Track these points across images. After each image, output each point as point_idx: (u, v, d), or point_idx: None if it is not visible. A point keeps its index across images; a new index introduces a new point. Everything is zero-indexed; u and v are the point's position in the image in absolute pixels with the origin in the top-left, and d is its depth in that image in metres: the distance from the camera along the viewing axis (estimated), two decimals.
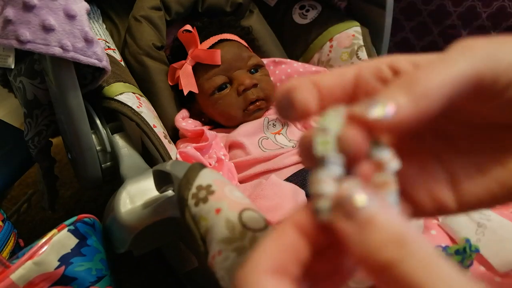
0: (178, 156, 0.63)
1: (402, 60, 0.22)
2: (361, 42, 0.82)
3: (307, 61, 0.89)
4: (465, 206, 0.24)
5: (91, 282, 0.51)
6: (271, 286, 0.18)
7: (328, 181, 0.19)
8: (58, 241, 0.48)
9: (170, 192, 0.45)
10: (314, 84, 0.22)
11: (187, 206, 0.35)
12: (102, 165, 0.61)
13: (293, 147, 0.71)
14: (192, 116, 0.79)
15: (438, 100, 0.19)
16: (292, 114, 0.22)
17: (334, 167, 0.20)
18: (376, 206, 0.18)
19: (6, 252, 0.63)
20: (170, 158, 0.60)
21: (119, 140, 0.61)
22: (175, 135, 0.75)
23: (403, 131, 0.19)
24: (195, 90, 0.74)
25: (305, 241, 0.19)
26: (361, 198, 0.18)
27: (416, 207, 0.25)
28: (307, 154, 0.21)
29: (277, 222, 0.64)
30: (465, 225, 0.49)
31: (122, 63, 0.73)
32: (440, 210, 0.25)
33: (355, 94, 0.23)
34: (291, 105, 0.21)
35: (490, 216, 0.49)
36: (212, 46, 0.75)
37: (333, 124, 0.20)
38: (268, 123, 0.74)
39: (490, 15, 0.95)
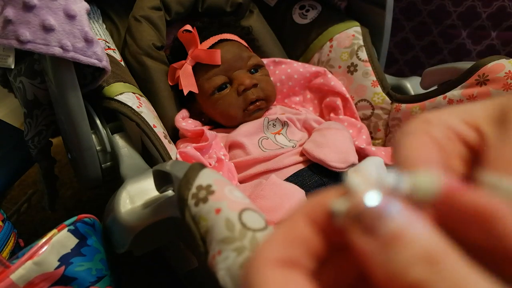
0: (178, 156, 0.63)
1: (461, 125, 0.20)
2: (361, 42, 0.82)
3: (307, 61, 0.89)
4: None
5: (91, 282, 0.51)
6: (279, 278, 0.17)
7: (365, 179, 0.17)
8: (58, 241, 0.48)
9: (170, 192, 0.45)
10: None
11: (187, 206, 0.35)
12: (102, 165, 0.61)
13: (293, 147, 0.71)
14: (192, 116, 0.79)
15: None
16: None
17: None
18: (405, 218, 0.16)
19: (6, 252, 0.63)
20: (170, 158, 0.60)
21: (119, 140, 0.61)
22: (175, 135, 0.75)
23: None
24: (195, 90, 0.74)
25: (319, 235, 0.18)
26: (390, 208, 0.16)
27: None
28: None
29: (277, 222, 0.64)
30: None
31: (122, 63, 0.73)
32: None
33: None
34: None
35: None
36: (212, 46, 0.75)
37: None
38: (268, 123, 0.74)
39: (490, 15, 0.95)
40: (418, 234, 0.15)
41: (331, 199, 0.18)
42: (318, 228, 0.18)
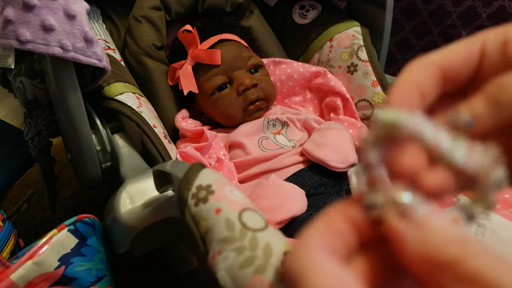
0: (178, 156, 0.63)
1: None
2: (361, 42, 0.82)
3: (307, 61, 0.89)
4: None
5: (91, 282, 0.51)
6: (326, 260, 0.18)
7: (383, 180, 0.20)
8: (58, 241, 0.48)
9: (170, 192, 0.45)
10: (438, 67, 0.22)
11: (187, 206, 0.35)
12: (102, 165, 0.61)
13: (293, 147, 0.71)
14: (192, 116, 0.79)
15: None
16: None
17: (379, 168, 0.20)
18: (428, 212, 0.18)
19: (6, 252, 0.63)
20: (170, 158, 0.60)
21: (119, 140, 0.61)
22: (175, 135, 0.75)
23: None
24: (195, 90, 0.74)
25: (353, 231, 0.20)
26: (412, 201, 0.19)
27: None
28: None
29: (277, 222, 0.63)
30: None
31: (122, 63, 0.73)
32: None
33: (479, 71, 0.23)
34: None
35: (490, 216, 0.49)
36: (212, 46, 0.75)
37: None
38: (268, 123, 0.74)
39: (490, 15, 0.95)
40: (445, 223, 0.18)
41: (365, 197, 0.20)
42: (352, 223, 0.20)
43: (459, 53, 0.23)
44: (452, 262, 0.17)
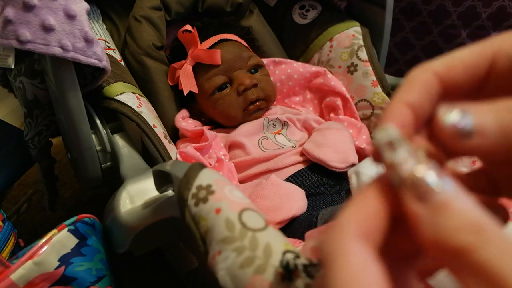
0: (178, 156, 0.63)
1: None
2: (361, 42, 0.82)
3: (307, 61, 0.89)
4: None
5: (91, 282, 0.51)
6: (359, 251, 0.18)
7: (407, 158, 0.19)
8: (58, 241, 0.48)
9: (170, 192, 0.45)
10: (438, 79, 0.21)
11: (187, 206, 0.35)
12: (102, 165, 0.61)
13: (293, 147, 0.71)
14: (192, 116, 0.79)
15: None
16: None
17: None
18: (451, 192, 0.18)
19: (6, 252, 0.63)
20: (170, 158, 0.60)
21: (119, 140, 0.61)
22: (175, 135, 0.75)
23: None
24: (195, 90, 0.74)
25: (387, 210, 0.20)
26: (436, 181, 0.18)
27: None
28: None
29: (278, 222, 0.63)
30: None
31: (122, 63, 0.73)
32: None
33: (486, 83, 0.21)
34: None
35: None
36: (212, 46, 0.75)
37: None
38: (268, 123, 0.74)
39: (490, 15, 0.95)
40: (465, 206, 0.17)
41: (389, 175, 0.19)
42: (387, 201, 0.20)
43: (464, 62, 0.22)
44: (463, 250, 0.16)
